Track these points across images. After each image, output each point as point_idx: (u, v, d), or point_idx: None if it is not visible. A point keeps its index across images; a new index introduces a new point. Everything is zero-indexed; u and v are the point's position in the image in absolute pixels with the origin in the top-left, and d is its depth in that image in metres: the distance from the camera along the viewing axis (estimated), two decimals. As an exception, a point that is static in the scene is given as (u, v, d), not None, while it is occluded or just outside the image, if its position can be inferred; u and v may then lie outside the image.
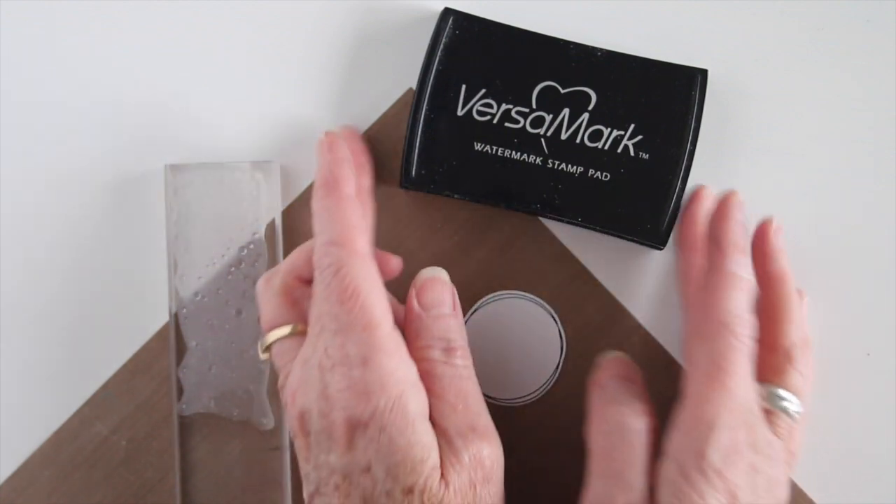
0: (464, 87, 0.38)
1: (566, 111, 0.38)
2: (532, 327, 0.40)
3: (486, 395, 0.40)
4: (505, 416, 0.40)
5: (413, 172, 0.38)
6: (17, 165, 0.41)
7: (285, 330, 0.35)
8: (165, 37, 0.42)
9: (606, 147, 0.38)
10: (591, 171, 0.38)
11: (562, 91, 0.38)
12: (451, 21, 0.38)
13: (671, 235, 0.39)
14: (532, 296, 0.41)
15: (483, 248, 0.41)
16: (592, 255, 0.41)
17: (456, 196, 0.38)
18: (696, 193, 0.40)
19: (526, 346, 0.40)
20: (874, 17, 0.42)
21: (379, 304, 0.32)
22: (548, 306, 0.41)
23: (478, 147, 0.38)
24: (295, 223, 0.41)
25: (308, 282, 0.35)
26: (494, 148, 0.38)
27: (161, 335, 0.40)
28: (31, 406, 0.40)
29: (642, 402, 0.35)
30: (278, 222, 0.40)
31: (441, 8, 0.39)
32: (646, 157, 0.38)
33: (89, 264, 0.41)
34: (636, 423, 0.34)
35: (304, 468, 0.33)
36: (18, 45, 0.42)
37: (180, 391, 0.39)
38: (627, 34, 0.41)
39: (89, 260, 0.41)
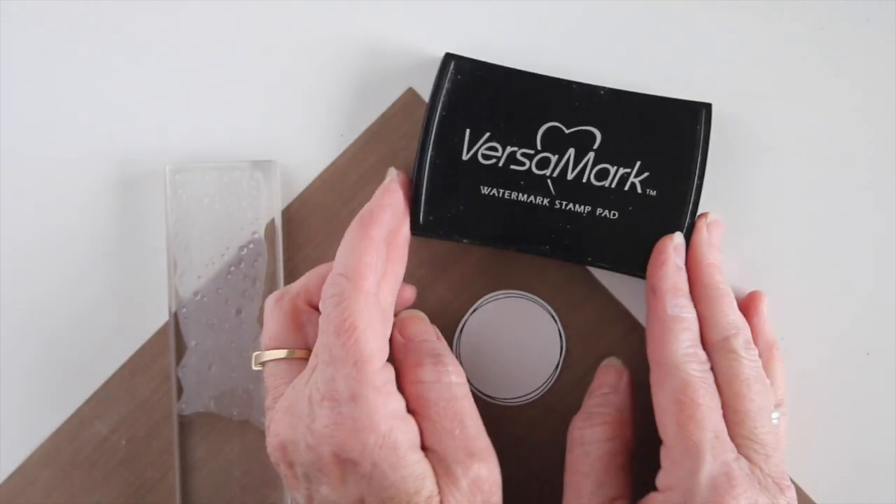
0: (468, 131, 0.38)
1: (571, 151, 0.37)
2: (532, 327, 0.40)
3: (485, 395, 0.40)
4: (505, 416, 0.40)
5: (421, 219, 0.38)
6: (17, 166, 0.41)
7: (282, 353, 0.35)
8: (167, 37, 0.42)
9: (613, 185, 0.37)
10: (598, 211, 0.37)
11: (566, 131, 0.37)
12: (452, 66, 0.38)
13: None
14: (532, 296, 0.41)
15: (483, 247, 0.41)
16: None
17: (465, 241, 0.38)
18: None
19: (526, 346, 0.40)
20: (875, 16, 0.42)
21: (373, 340, 0.31)
22: (548, 306, 0.41)
23: (485, 191, 0.38)
24: (295, 223, 0.41)
25: (317, 307, 0.35)
26: (501, 191, 0.38)
27: (161, 335, 0.40)
28: (31, 406, 0.41)
29: (612, 414, 0.36)
30: (278, 222, 0.40)
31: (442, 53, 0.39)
32: (653, 193, 0.38)
33: (89, 264, 0.41)
34: (591, 435, 0.35)
35: (294, 495, 0.33)
36: (20, 44, 0.42)
37: (180, 391, 0.39)
38: (625, 55, 0.41)
39: (89, 260, 0.41)
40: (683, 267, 0.36)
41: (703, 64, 0.42)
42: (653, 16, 0.42)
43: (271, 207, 0.40)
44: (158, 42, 0.42)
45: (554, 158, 0.37)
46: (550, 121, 0.38)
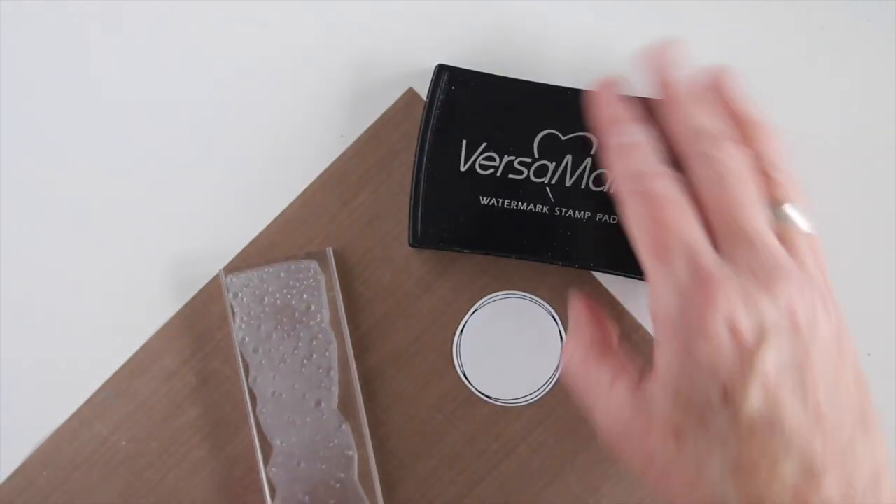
0: (464, 142, 0.38)
1: (569, 157, 0.37)
2: (533, 328, 0.41)
3: (485, 396, 0.40)
4: (505, 416, 0.40)
5: (420, 231, 0.38)
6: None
7: None
8: (164, 36, 0.42)
9: (612, 190, 0.37)
10: (598, 216, 0.37)
11: (563, 138, 0.37)
12: (445, 78, 0.38)
13: None
14: (533, 296, 0.41)
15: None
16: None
17: (465, 251, 0.38)
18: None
19: (526, 346, 0.40)
20: (875, 17, 0.42)
21: None
22: (548, 306, 0.41)
23: (483, 201, 0.38)
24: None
25: None
26: (500, 200, 0.38)
27: (162, 335, 0.40)
28: (31, 406, 0.40)
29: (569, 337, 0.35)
30: (341, 308, 0.40)
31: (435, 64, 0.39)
32: None
33: (90, 265, 0.41)
34: (564, 363, 0.35)
35: None
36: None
37: (273, 491, 0.39)
38: (624, 55, 0.41)
39: (90, 261, 0.41)
40: (622, 98, 0.35)
41: (702, 64, 0.41)
42: (650, 16, 0.42)
43: (332, 294, 0.40)
44: (153, 39, 0.42)
45: (552, 166, 0.37)
46: (546, 128, 0.38)
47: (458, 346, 0.41)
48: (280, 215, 0.41)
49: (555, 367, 0.40)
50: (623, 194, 0.33)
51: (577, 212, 0.38)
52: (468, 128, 0.38)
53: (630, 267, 0.38)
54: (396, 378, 0.40)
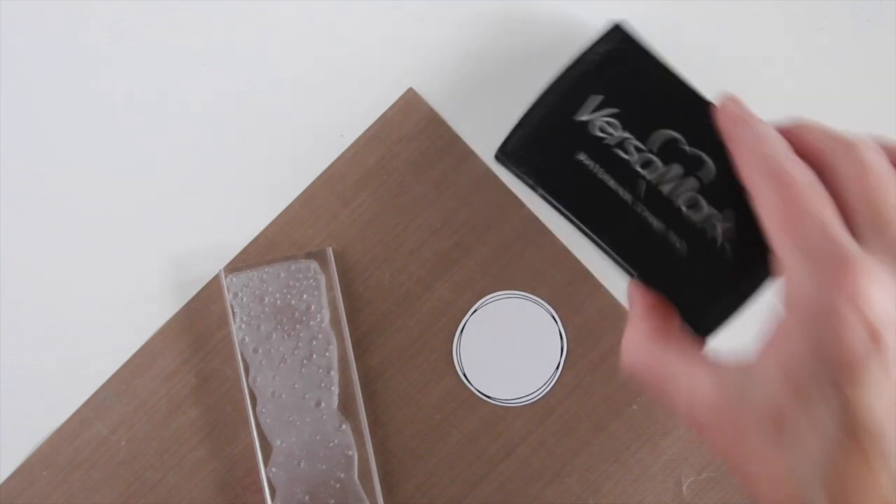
0: (596, 98, 0.37)
1: (678, 168, 0.36)
2: (533, 328, 0.41)
3: (485, 396, 0.40)
4: (505, 416, 0.40)
5: (512, 147, 0.37)
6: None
7: None
8: (159, 36, 0.42)
9: (698, 221, 0.35)
10: (670, 234, 0.36)
11: (684, 148, 0.36)
12: (614, 36, 0.37)
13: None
14: (532, 296, 0.41)
15: (483, 248, 0.41)
16: (592, 255, 0.40)
17: (538, 191, 0.37)
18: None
19: (526, 346, 0.40)
20: (875, 17, 0.42)
21: None
22: (548, 306, 0.41)
23: (580, 157, 0.37)
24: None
25: None
26: (595, 166, 0.37)
27: (162, 335, 0.40)
28: (31, 406, 0.40)
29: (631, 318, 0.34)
30: (342, 308, 0.40)
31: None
32: (728, 248, 0.35)
33: (90, 265, 0.41)
34: (624, 350, 0.34)
35: None
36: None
37: (273, 490, 0.39)
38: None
39: (90, 261, 0.41)
40: (740, 111, 0.34)
41: (702, 64, 0.41)
42: (652, 17, 0.42)
43: (332, 294, 0.40)
44: (155, 40, 0.42)
45: (658, 166, 0.36)
46: (675, 130, 0.36)
47: (458, 346, 0.41)
48: (280, 215, 0.41)
49: (555, 367, 0.40)
50: (752, 178, 0.32)
51: (654, 218, 0.36)
52: (607, 88, 0.37)
53: (669, 294, 0.36)
54: (396, 378, 0.40)
